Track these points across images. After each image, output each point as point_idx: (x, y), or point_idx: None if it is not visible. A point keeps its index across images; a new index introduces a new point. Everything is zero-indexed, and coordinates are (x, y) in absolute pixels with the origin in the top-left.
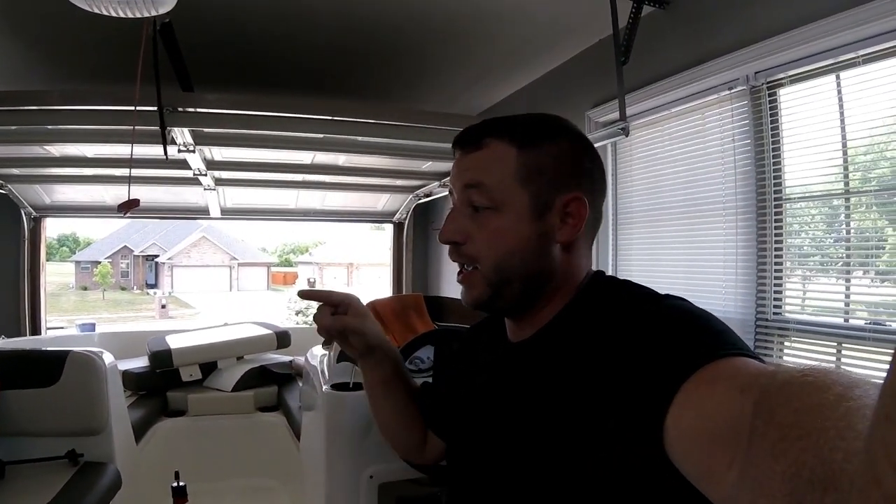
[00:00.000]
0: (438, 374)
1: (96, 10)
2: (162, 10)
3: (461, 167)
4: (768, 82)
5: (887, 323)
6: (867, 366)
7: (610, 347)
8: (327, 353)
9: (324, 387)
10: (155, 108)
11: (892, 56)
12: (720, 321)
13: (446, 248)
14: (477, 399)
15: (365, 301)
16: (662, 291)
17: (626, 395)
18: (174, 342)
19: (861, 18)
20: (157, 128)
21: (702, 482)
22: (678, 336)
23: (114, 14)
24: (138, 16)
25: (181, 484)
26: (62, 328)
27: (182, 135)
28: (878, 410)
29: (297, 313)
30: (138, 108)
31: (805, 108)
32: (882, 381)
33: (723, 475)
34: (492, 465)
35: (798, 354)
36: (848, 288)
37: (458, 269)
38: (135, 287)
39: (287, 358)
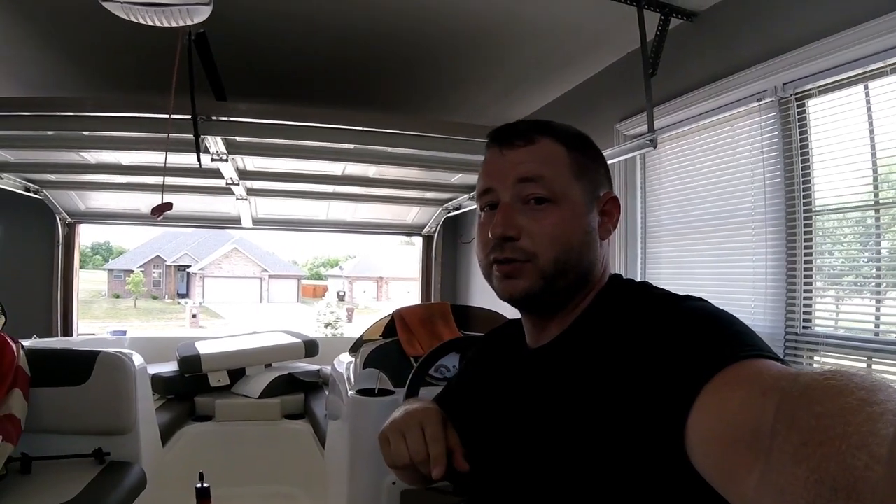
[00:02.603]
0: (451, 387)
1: (133, 19)
2: (197, 20)
3: (511, 161)
4: (797, 93)
5: None
6: None
7: (631, 350)
8: (354, 359)
9: (349, 392)
10: (189, 117)
11: None
12: (741, 322)
13: (475, 260)
14: (499, 406)
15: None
16: None
17: (648, 397)
18: (203, 348)
19: (888, 27)
20: (190, 136)
21: (723, 486)
22: (699, 337)
23: (150, 23)
24: (174, 25)
25: (205, 485)
26: (94, 335)
27: (215, 143)
28: None
29: (327, 326)
30: (173, 116)
31: (834, 119)
32: None
33: (744, 479)
34: (516, 471)
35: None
36: (879, 305)
37: (501, 262)
38: (166, 296)
39: (315, 367)
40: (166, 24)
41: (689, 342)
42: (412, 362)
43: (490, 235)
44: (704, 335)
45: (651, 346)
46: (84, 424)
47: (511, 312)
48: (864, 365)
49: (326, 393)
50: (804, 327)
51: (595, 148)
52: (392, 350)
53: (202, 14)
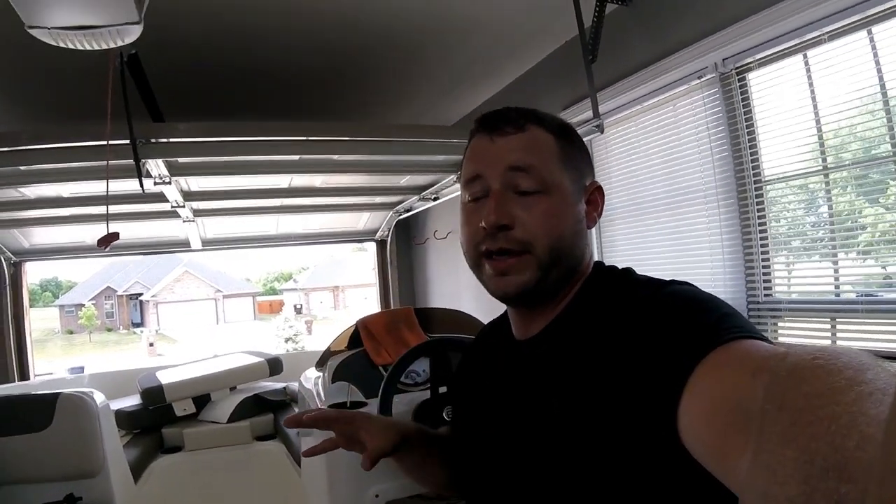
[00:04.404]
0: (454, 395)
1: (62, 45)
2: (128, 41)
3: (502, 149)
4: (737, 68)
5: (878, 294)
6: (862, 338)
7: (620, 338)
8: (321, 374)
9: (321, 408)
10: (128, 142)
11: (857, 30)
12: (727, 304)
13: (432, 261)
14: (490, 400)
15: (356, 319)
16: None
17: (638, 384)
18: (165, 377)
19: None
20: (131, 161)
21: (716, 467)
22: (686, 321)
23: (79, 47)
24: (104, 47)
25: None
26: (51, 374)
27: (157, 167)
28: None
29: (287, 340)
30: (111, 142)
31: (775, 90)
32: None
33: (736, 460)
34: (510, 464)
35: (792, 333)
36: (836, 265)
37: (494, 258)
38: (121, 327)
39: (280, 384)
40: (96, 48)
41: (676, 327)
42: (381, 371)
43: (483, 224)
44: (691, 319)
45: (638, 332)
46: (51, 471)
47: (474, 309)
48: (828, 326)
49: (296, 410)
50: (765, 295)
51: (579, 138)
52: (359, 361)
53: (133, 34)
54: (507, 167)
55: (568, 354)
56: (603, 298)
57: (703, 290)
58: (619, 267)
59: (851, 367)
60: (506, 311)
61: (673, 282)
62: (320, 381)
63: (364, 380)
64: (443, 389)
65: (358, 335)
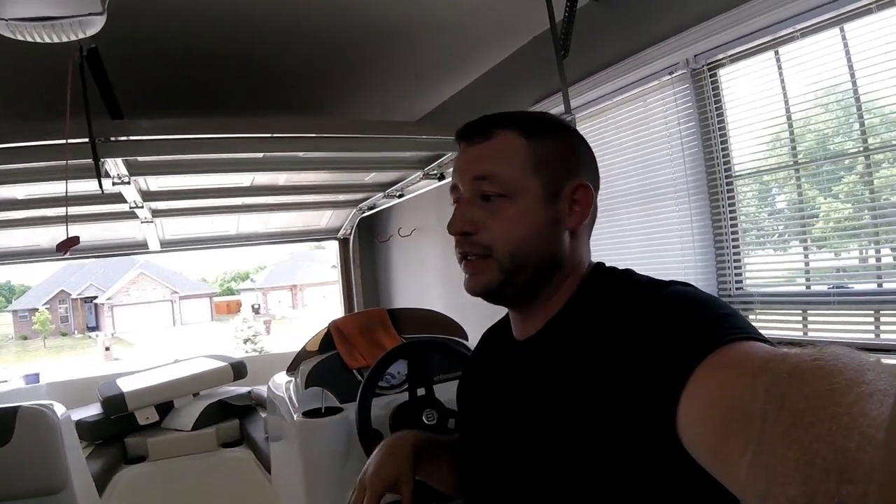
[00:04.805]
0: (461, 395)
1: (21, 37)
2: (90, 33)
3: (470, 158)
4: (708, 64)
5: (849, 285)
6: (834, 329)
7: (619, 338)
8: (293, 379)
9: (295, 415)
10: (87, 140)
11: (830, 27)
12: (726, 304)
13: (397, 260)
14: (490, 399)
15: (315, 318)
16: None
17: (637, 385)
18: (126, 385)
19: None
20: (89, 160)
21: (715, 468)
22: (687, 322)
23: (38, 40)
24: (65, 40)
25: None
26: (5, 381)
27: (116, 166)
28: None
29: (246, 341)
30: (70, 140)
31: (746, 86)
32: None
33: (736, 461)
34: (507, 464)
35: (765, 326)
36: (807, 257)
37: (462, 258)
38: (76, 331)
39: (245, 389)
40: (56, 40)
41: (676, 328)
42: (355, 374)
43: (448, 231)
44: (691, 320)
45: (638, 332)
46: (13, 489)
47: (440, 306)
48: (800, 318)
49: (262, 415)
50: (737, 288)
51: (563, 136)
52: (333, 364)
53: (96, 26)
54: (473, 176)
55: (565, 354)
56: (601, 299)
57: (704, 291)
58: (619, 268)
59: (852, 368)
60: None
61: (673, 282)
62: (292, 386)
63: (338, 384)
64: (421, 392)
65: (330, 338)
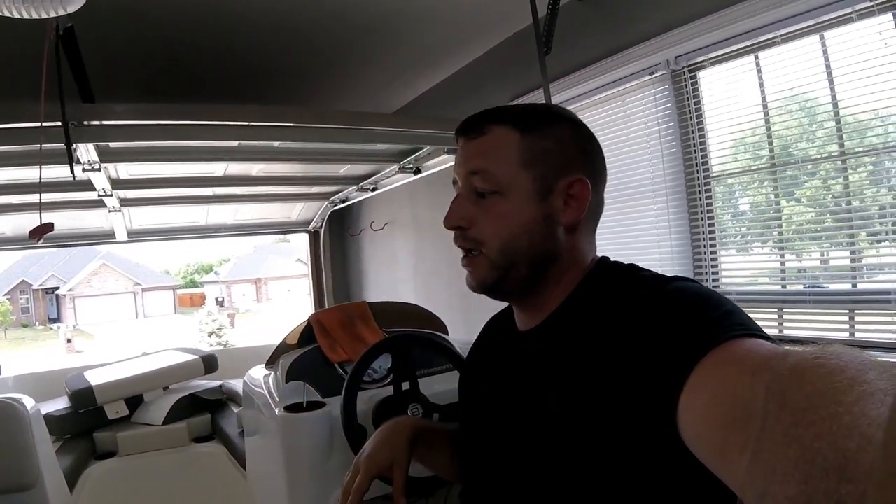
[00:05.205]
0: (462, 384)
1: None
2: (71, 10)
3: (465, 154)
4: (689, 65)
5: (824, 285)
6: (809, 328)
7: (620, 332)
8: (272, 373)
9: (276, 410)
10: (59, 124)
11: (810, 34)
12: (729, 301)
13: (368, 253)
14: (491, 390)
15: (279, 311)
16: None
17: (638, 380)
18: (94, 378)
19: (778, 0)
20: (62, 145)
21: (715, 465)
22: (688, 318)
23: (16, 15)
24: (44, 16)
25: None
26: None
27: (87, 152)
28: None
29: (210, 335)
30: (44, 124)
31: (726, 88)
32: None
33: (736, 459)
34: (507, 460)
35: None
36: (782, 257)
37: (463, 255)
38: (37, 323)
39: (216, 383)
40: (35, 16)
41: (679, 323)
42: (337, 368)
43: (444, 224)
44: (693, 316)
45: (639, 328)
46: None
47: (412, 300)
48: (776, 316)
49: (234, 410)
50: (713, 287)
51: (562, 129)
52: (314, 358)
53: (76, 3)
54: (467, 172)
55: (565, 349)
56: (604, 293)
57: (707, 287)
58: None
59: (853, 367)
60: None
61: (676, 278)
62: (272, 380)
63: (320, 378)
64: (405, 386)
65: (311, 331)
